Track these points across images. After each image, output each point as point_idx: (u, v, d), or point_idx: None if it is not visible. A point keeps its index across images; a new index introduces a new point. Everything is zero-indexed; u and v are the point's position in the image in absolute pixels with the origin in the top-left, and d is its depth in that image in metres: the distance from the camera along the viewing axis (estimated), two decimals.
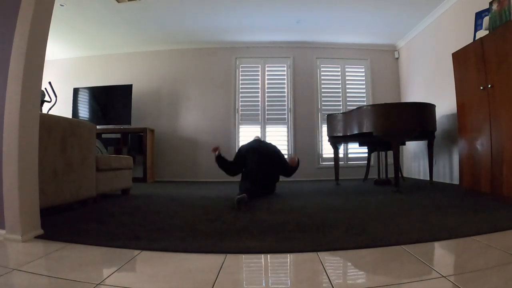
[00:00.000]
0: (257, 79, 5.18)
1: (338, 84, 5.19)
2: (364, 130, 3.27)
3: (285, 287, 1.01)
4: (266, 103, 5.14)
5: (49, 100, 3.87)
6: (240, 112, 5.14)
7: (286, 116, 5.14)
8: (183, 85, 5.20)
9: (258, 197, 2.71)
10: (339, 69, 5.20)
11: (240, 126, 5.13)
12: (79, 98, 5.06)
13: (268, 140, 5.08)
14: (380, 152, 4.12)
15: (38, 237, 1.44)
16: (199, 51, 5.21)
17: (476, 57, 2.61)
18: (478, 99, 2.60)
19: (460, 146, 2.90)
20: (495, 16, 2.64)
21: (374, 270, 1.06)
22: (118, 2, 3.76)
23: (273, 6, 3.97)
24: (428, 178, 3.75)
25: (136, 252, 1.24)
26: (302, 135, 5.07)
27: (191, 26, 4.55)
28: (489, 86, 2.44)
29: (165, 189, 3.67)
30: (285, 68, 5.20)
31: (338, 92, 5.18)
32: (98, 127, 3.18)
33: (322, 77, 5.21)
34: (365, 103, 5.07)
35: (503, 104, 2.32)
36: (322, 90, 5.19)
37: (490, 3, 2.73)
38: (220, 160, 3.00)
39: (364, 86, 5.22)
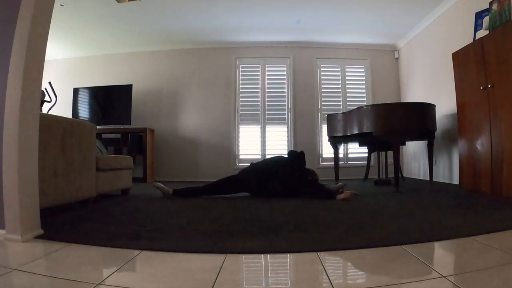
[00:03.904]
0: (257, 79, 5.18)
1: (338, 84, 5.19)
2: (364, 130, 3.27)
3: (285, 287, 1.01)
4: (266, 103, 5.13)
5: (49, 100, 3.87)
6: (240, 112, 5.14)
7: (286, 116, 5.14)
8: (183, 85, 5.20)
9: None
10: (339, 69, 5.20)
11: (240, 126, 5.13)
12: (79, 98, 5.06)
13: (268, 140, 5.09)
14: (380, 152, 4.12)
15: (38, 237, 1.44)
16: (199, 51, 5.21)
17: (476, 57, 2.61)
18: (478, 99, 2.60)
19: (460, 146, 2.90)
20: (495, 16, 2.64)
21: (374, 270, 1.06)
22: (118, 2, 3.76)
23: (273, 6, 3.97)
24: (428, 178, 3.75)
25: (136, 252, 1.23)
26: (302, 135, 5.07)
27: (191, 26, 4.55)
28: (489, 86, 2.44)
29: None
30: (285, 68, 5.20)
31: (338, 92, 5.18)
32: (98, 127, 3.18)
33: (322, 77, 5.21)
34: (365, 103, 5.07)
35: (503, 104, 2.32)
36: (322, 90, 5.19)
37: (490, 3, 2.73)
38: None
39: (364, 86, 5.22)
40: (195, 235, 1.48)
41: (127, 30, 4.61)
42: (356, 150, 5.01)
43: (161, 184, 2.90)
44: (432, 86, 4.21)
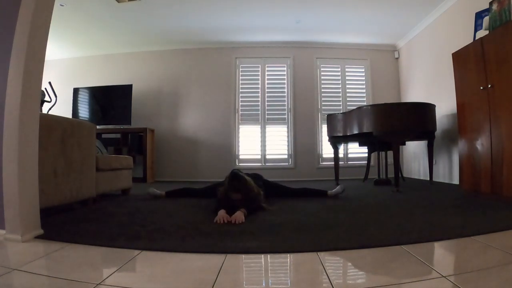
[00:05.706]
0: (257, 79, 5.18)
1: (338, 84, 5.19)
2: (364, 130, 3.27)
3: (285, 287, 1.01)
4: (266, 103, 5.13)
5: (49, 100, 3.87)
6: (240, 112, 5.14)
7: (286, 116, 5.13)
8: (183, 85, 5.20)
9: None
10: (339, 69, 5.20)
11: (240, 126, 5.13)
12: (79, 98, 5.05)
13: (268, 140, 5.09)
14: (380, 152, 4.12)
15: (38, 237, 1.44)
16: (199, 51, 5.21)
17: (476, 57, 2.61)
18: (478, 99, 2.60)
19: (460, 146, 2.90)
20: (495, 16, 2.64)
21: (374, 270, 1.06)
22: (118, 2, 3.76)
23: (273, 6, 3.97)
24: (428, 178, 3.75)
25: (136, 252, 1.24)
26: (302, 135, 5.07)
27: (191, 26, 4.55)
28: (489, 86, 2.44)
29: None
30: (285, 68, 5.20)
31: (338, 92, 5.18)
32: (98, 127, 3.18)
33: (322, 77, 5.20)
34: (365, 103, 5.07)
35: (503, 104, 2.31)
36: (322, 90, 5.18)
37: (490, 3, 2.73)
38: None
39: (364, 86, 5.22)
40: (195, 235, 1.48)
41: (127, 30, 4.61)
42: (356, 150, 5.01)
43: (154, 189, 2.86)
44: (432, 86, 4.21)
